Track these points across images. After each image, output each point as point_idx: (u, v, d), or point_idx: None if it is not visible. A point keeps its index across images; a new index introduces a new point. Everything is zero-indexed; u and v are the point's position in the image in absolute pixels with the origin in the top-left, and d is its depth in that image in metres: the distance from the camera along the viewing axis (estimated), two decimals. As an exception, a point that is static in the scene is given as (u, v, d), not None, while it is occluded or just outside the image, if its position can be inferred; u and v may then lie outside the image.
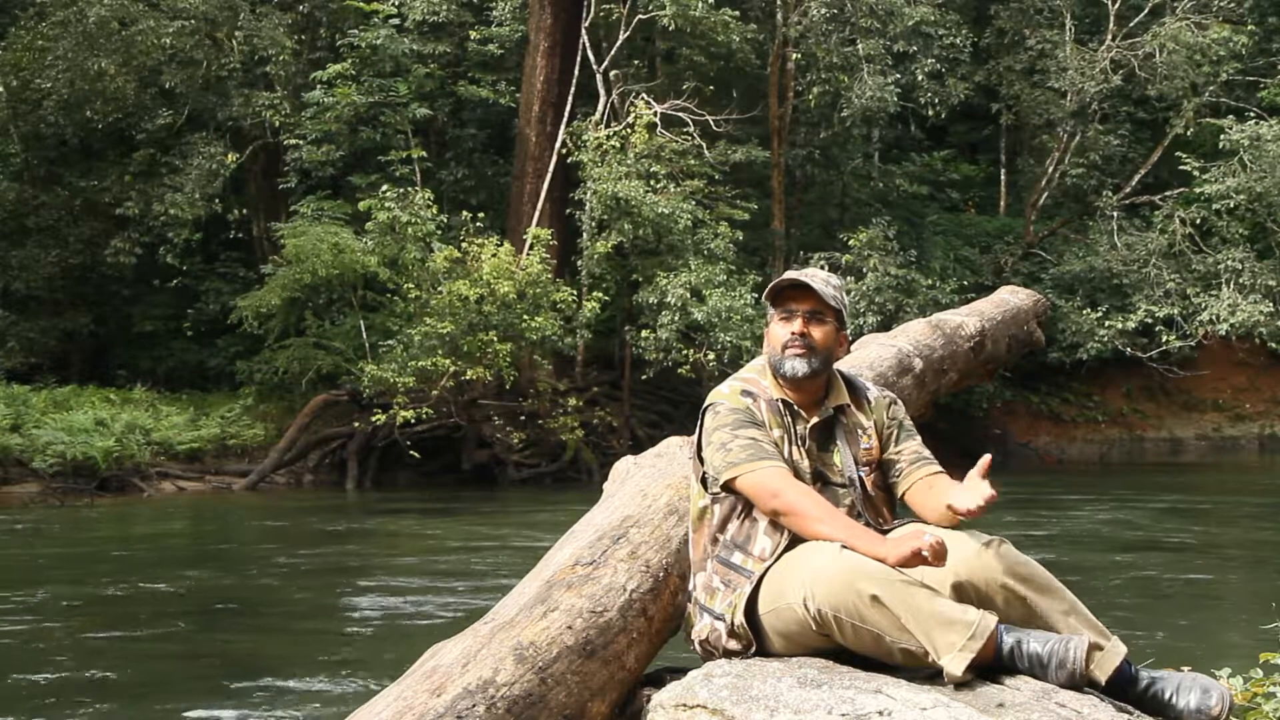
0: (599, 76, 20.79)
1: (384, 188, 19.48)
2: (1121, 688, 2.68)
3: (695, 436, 3.14)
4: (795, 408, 3.08)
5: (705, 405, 3.12)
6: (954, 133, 29.30)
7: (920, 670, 2.69)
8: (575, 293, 19.19)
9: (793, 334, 3.05)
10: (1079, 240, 24.22)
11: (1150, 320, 22.19)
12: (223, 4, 21.09)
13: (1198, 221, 22.85)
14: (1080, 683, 2.64)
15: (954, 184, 28.08)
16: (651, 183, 19.06)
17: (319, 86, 21.08)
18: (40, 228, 22.19)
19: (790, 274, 3.13)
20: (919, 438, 3.20)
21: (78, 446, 17.09)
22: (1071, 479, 20.89)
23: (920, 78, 21.26)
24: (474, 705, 2.65)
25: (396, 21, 21.57)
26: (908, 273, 20.61)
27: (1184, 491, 17.80)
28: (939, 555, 2.66)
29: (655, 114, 19.67)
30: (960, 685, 2.60)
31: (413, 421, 18.05)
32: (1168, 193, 23.77)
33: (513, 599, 3.06)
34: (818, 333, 3.07)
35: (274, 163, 22.84)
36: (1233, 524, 14.40)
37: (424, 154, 21.55)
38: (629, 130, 19.49)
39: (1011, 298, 5.57)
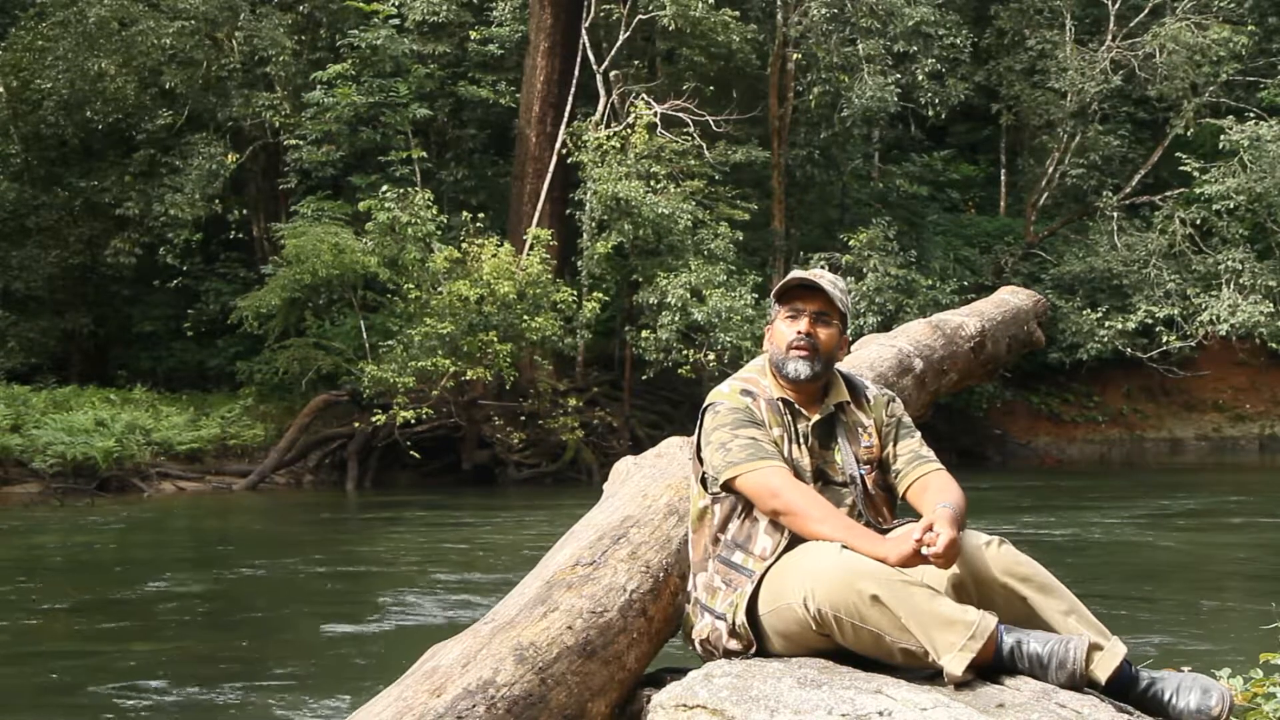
0: (599, 76, 20.78)
1: (384, 188, 19.49)
2: (1122, 688, 2.67)
3: (695, 436, 3.14)
4: (795, 406, 3.08)
5: (705, 405, 3.12)
6: (954, 133, 29.29)
7: (920, 670, 2.68)
8: (575, 293, 19.19)
9: (799, 333, 3.06)
10: (1079, 240, 24.21)
11: (1150, 320, 22.19)
12: (223, 4, 21.09)
13: (1198, 222, 22.84)
14: (1080, 683, 2.63)
15: (954, 184, 28.07)
16: (651, 183, 19.06)
17: (319, 87, 21.08)
18: (40, 228, 22.20)
19: (799, 273, 3.14)
20: (919, 435, 3.20)
21: (78, 446, 17.09)
22: (1071, 479, 20.87)
23: (920, 78, 21.25)
24: (474, 705, 2.64)
25: (396, 22, 21.56)
26: (908, 273, 20.60)
27: (1184, 491, 17.78)
28: (949, 556, 2.68)
29: (655, 114, 19.67)
30: (960, 685, 2.59)
31: (413, 422, 18.05)
32: (1168, 193, 23.77)
33: (513, 599, 3.05)
34: (823, 334, 3.08)
35: (274, 163, 22.85)
36: (1232, 523, 14.39)
37: (424, 154, 21.54)
38: (629, 130, 19.49)
39: (1012, 298, 5.56)
